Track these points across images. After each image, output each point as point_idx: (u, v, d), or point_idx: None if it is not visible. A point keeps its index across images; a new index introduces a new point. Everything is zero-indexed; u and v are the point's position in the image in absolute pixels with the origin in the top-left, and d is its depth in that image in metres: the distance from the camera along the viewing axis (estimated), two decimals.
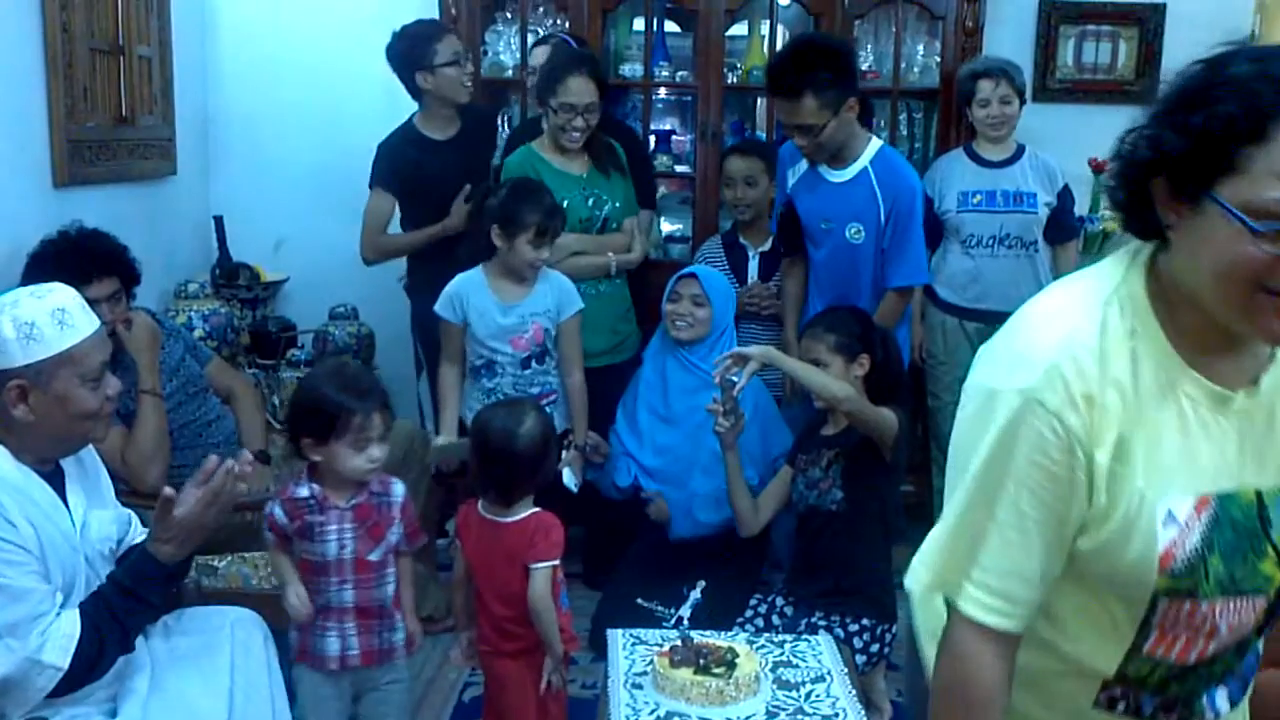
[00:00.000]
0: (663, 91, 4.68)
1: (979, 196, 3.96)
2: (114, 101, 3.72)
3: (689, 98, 4.57)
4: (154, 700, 2.08)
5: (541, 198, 3.32)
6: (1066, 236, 4.08)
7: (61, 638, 1.94)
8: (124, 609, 2.04)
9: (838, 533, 3.00)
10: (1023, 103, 4.02)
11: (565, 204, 3.57)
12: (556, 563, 2.37)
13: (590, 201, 3.67)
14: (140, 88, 3.89)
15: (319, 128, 4.40)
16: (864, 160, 3.35)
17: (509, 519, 2.40)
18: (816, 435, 3.12)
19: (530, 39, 4.23)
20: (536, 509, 2.42)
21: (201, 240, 4.45)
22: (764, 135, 4.55)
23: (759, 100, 4.67)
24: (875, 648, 2.98)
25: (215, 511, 2.12)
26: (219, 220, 4.37)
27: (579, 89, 3.51)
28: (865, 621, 2.97)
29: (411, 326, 4.09)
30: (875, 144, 3.40)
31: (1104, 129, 4.55)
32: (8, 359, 1.98)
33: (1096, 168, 4.45)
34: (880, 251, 3.38)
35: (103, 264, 2.97)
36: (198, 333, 3.85)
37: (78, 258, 2.92)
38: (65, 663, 1.93)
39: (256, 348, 4.21)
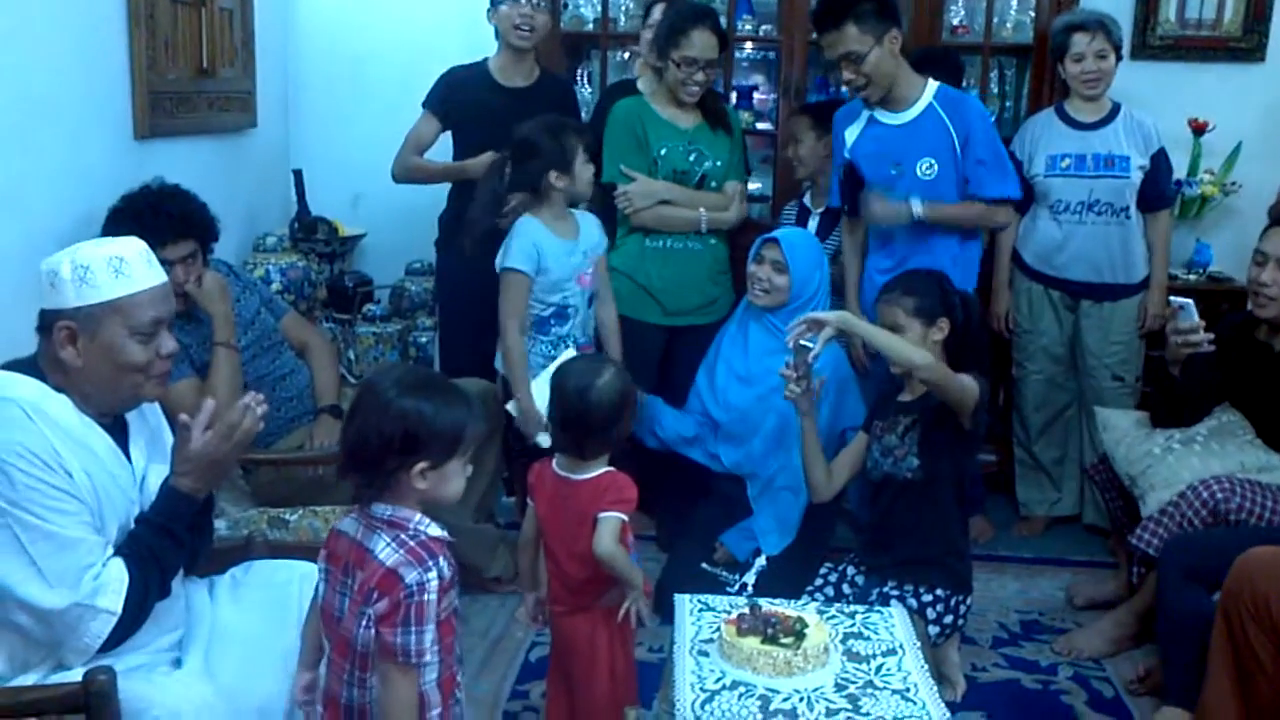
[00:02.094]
0: (748, 47, 4.57)
1: (1068, 160, 3.80)
2: (195, 53, 3.71)
3: (773, 54, 4.46)
4: (217, 652, 2.09)
5: (562, 124, 3.33)
6: (1159, 204, 3.88)
7: (114, 583, 1.95)
8: (157, 546, 2.03)
9: (912, 502, 2.93)
10: (1119, 59, 3.83)
11: (663, 152, 3.57)
12: (624, 517, 2.31)
13: (692, 156, 3.63)
14: (221, 40, 3.89)
15: (399, 82, 4.34)
16: (926, 98, 3.36)
17: (582, 476, 2.36)
18: (893, 401, 3.04)
19: None
20: (610, 468, 2.38)
21: (281, 194, 4.46)
22: (847, 92, 4.43)
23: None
24: (949, 619, 2.92)
25: (232, 447, 2.08)
26: (298, 174, 4.37)
27: (702, 43, 3.50)
28: (940, 592, 2.90)
29: (435, 285, 4.05)
30: (934, 84, 3.39)
31: (1208, 89, 4.50)
32: (61, 299, 1.99)
33: (1197, 129, 4.27)
34: (957, 181, 3.35)
35: (180, 226, 2.97)
36: (275, 286, 3.87)
37: (155, 219, 2.92)
38: (119, 607, 1.94)
39: (333, 302, 4.22)
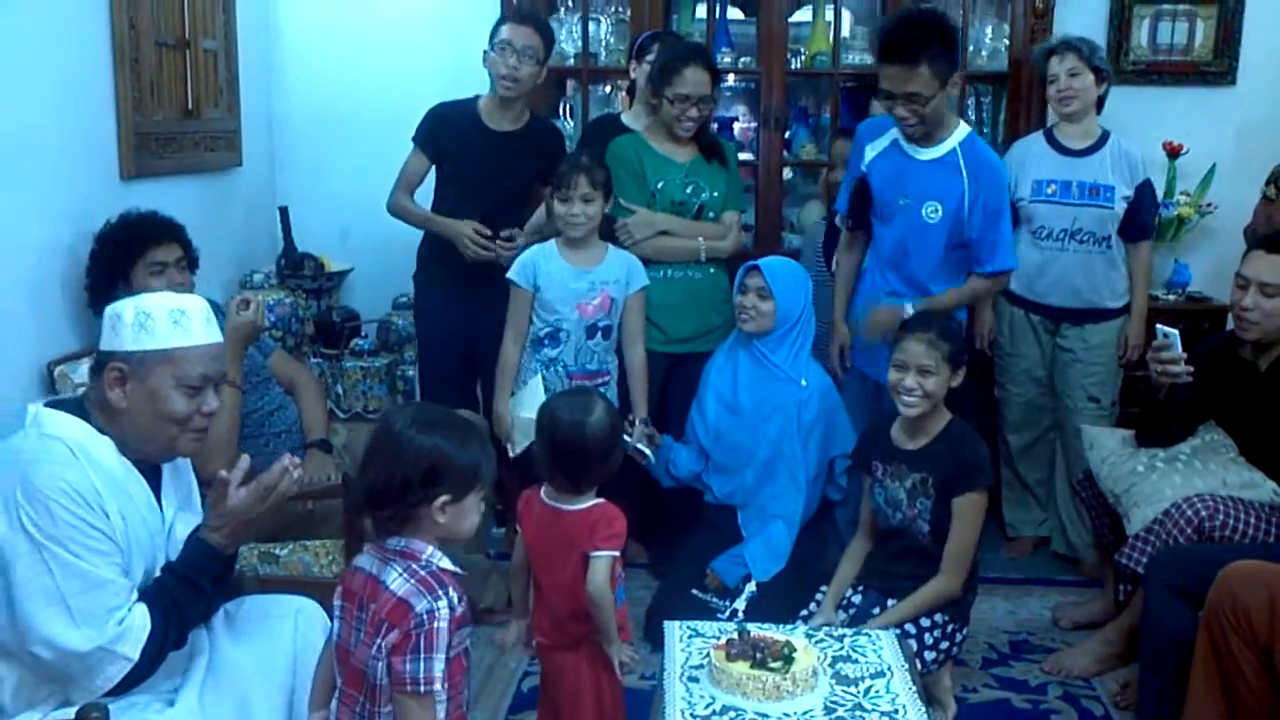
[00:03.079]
0: (731, 79, 4.62)
1: (1054, 187, 3.83)
2: (180, 94, 3.76)
3: (753, 85, 4.51)
4: (211, 690, 2.10)
5: (574, 156, 3.47)
6: (1141, 235, 3.91)
7: (136, 630, 1.97)
8: (181, 597, 2.05)
9: (923, 558, 2.98)
10: (1101, 80, 3.86)
11: (661, 185, 3.65)
12: (616, 553, 2.34)
13: (689, 188, 3.69)
14: (206, 81, 3.94)
15: (383, 118, 4.37)
16: (953, 141, 3.34)
17: (572, 507, 2.38)
18: (892, 445, 3.05)
19: (592, 27, 4.23)
20: (600, 500, 2.40)
21: (268, 231, 4.49)
22: (828, 120, 4.49)
23: (822, 85, 4.60)
24: (945, 645, 2.94)
25: (266, 508, 2.11)
26: (284, 211, 4.40)
27: (695, 80, 3.55)
28: (938, 618, 2.93)
29: (415, 314, 4.10)
30: (964, 128, 3.40)
31: (1180, 112, 4.56)
32: (119, 341, 2.05)
33: (1172, 151, 4.34)
34: (955, 231, 3.34)
35: (166, 230, 3.09)
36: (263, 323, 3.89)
37: (143, 224, 3.07)
38: (137, 654, 1.96)
39: (321, 337, 4.24)
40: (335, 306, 4.39)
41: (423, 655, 1.82)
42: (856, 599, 3.03)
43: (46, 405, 2.09)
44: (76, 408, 2.09)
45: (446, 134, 3.79)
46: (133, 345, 2.04)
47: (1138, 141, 4.06)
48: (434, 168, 3.86)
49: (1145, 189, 3.87)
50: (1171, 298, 4.33)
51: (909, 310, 3.30)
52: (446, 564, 1.92)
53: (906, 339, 2.97)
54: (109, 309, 2.10)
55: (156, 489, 2.15)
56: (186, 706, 2.03)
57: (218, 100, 4.04)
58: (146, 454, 2.11)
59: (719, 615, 3.08)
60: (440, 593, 1.86)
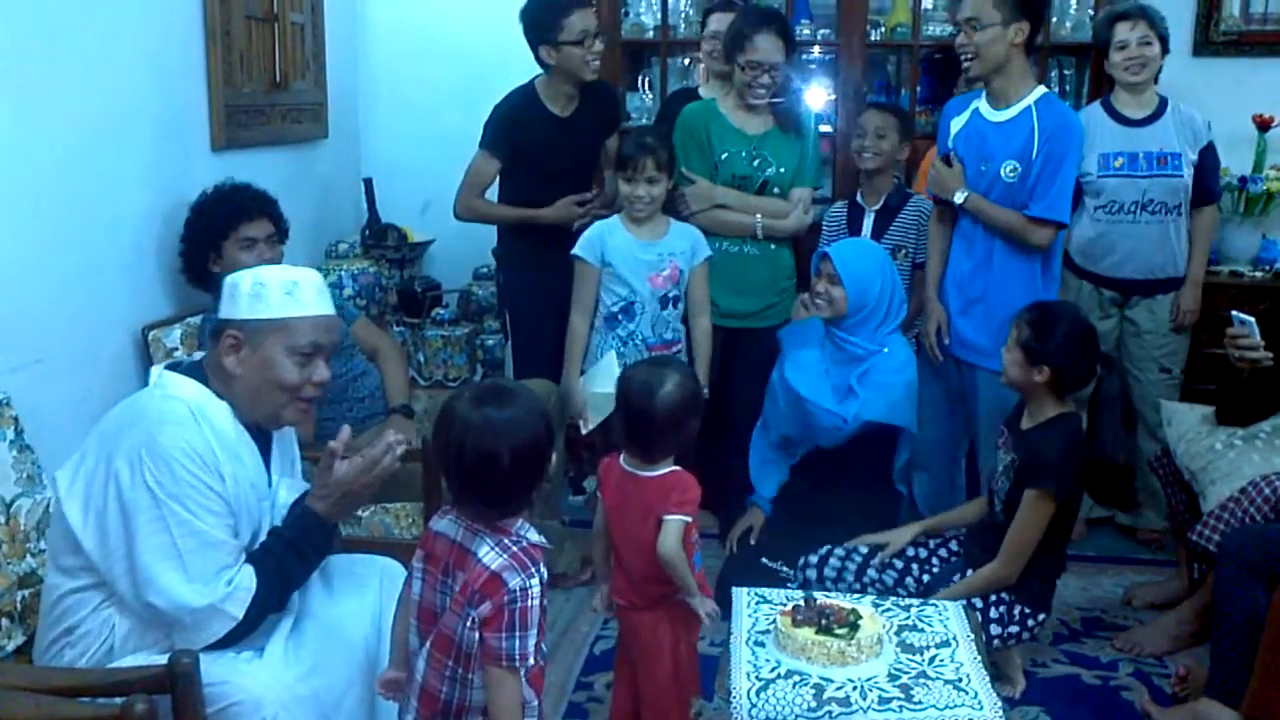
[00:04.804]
0: (815, 50, 4.61)
1: (1121, 159, 3.76)
2: (269, 67, 3.86)
3: (831, 57, 4.50)
4: (295, 641, 2.17)
5: (639, 136, 3.48)
6: (1205, 200, 3.84)
7: (242, 590, 2.05)
8: (286, 562, 2.13)
9: (996, 536, 2.96)
10: (1165, 50, 3.78)
11: (724, 157, 3.62)
12: (689, 519, 2.37)
13: (755, 162, 3.66)
14: (294, 54, 4.03)
15: (467, 92, 4.43)
16: (1028, 100, 3.35)
17: (648, 474, 2.42)
18: (1018, 420, 3.04)
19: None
20: (676, 467, 2.43)
21: (352, 201, 4.59)
22: (907, 94, 4.46)
23: (903, 57, 4.57)
24: (1013, 629, 2.94)
25: (368, 481, 2.17)
26: (368, 182, 4.50)
27: (767, 47, 3.52)
28: (1005, 596, 2.93)
29: (498, 295, 4.14)
30: (1042, 89, 3.40)
31: (1272, 84, 4.44)
32: (235, 309, 2.13)
33: (1262, 125, 4.24)
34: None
35: (260, 205, 3.19)
36: (347, 291, 4.00)
37: (238, 198, 3.17)
38: (241, 613, 2.04)
39: (403, 306, 4.34)
40: (417, 276, 4.48)
41: (518, 632, 1.85)
42: (935, 563, 3.07)
43: (167, 368, 2.18)
44: (196, 371, 2.17)
45: (519, 134, 3.75)
46: (248, 314, 2.11)
47: (1227, 115, 3.99)
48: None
49: (1209, 153, 3.79)
50: (1259, 274, 4.24)
51: (959, 196, 3.38)
52: (535, 537, 1.95)
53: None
54: (228, 279, 2.17)
55: (266, 455, 2.23)
56: (274, 656, 2.10)
57: (304, 73, 4.13)
58: (256, 419, 2.19)
59: (789, 584, 3.13)
60: (534, 569, 1.88)
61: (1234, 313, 3.07)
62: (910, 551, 3.13)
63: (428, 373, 4.19)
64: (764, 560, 3.25)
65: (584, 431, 3.52)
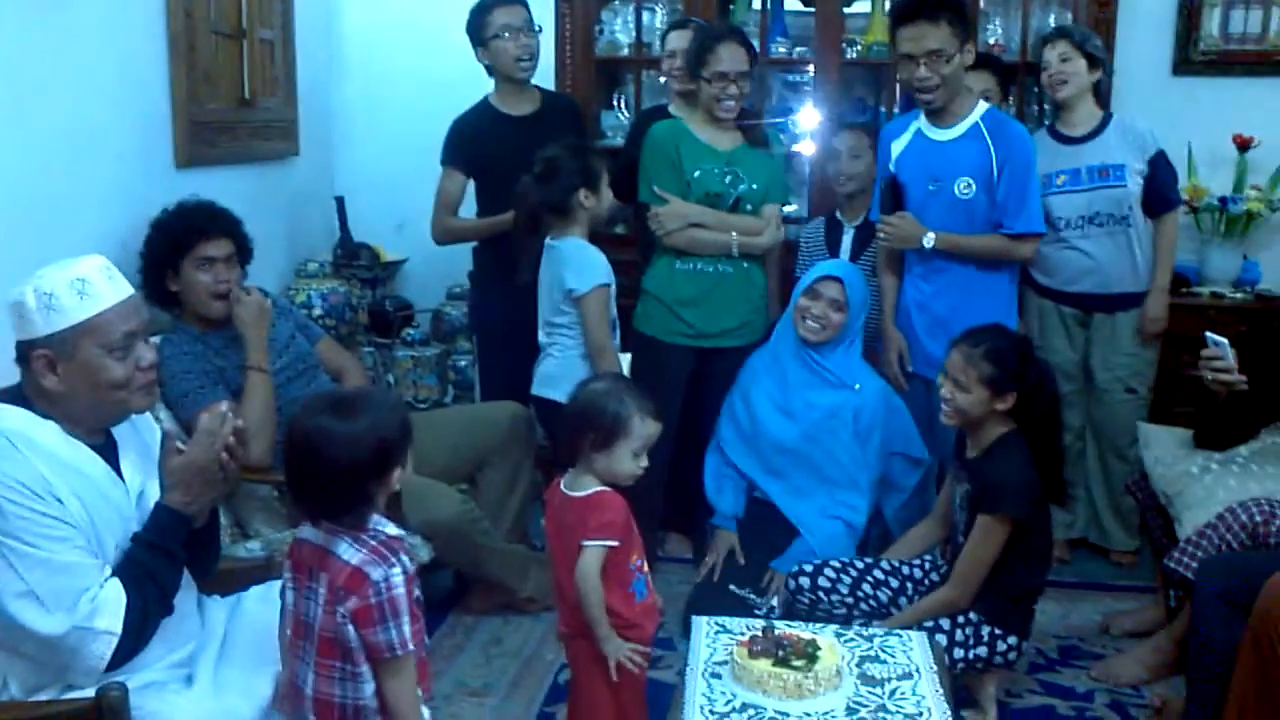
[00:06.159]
0: (793, 68, 4.56)
1: (1063, 177, 3.73)
2: (236, 84, 3.82)
3: (808, 75, 4.46)
4: (225, 667, 2.11)
5: (583, 146, 3.44)
6: (1164, 208, 3.79)
7: (110, 604, 1.96)
8: (151, 565, 2.04)
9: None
10: (1095, 66, 3.73)
11: (697, 175, 3.56)
12: (610, 543, 2.29)
13: (727, 179, 3.60)
14: (263, 70, 3.99)
15: (442, 109, 4.39)
16: (974, 117, 3.38)
17: (576, 494, 2.36)
18: (963, 448, 3.00)
19: (646, 17, 4.20)
20: (602, 488, 2.35)
21: (324, 220, 4.53)
22: (884, 112, 4.43)
23: (882, 76, 4.54)
24: (981, 651, 2.86)
25: (213, 457, 2.08)
26: (340, 201, 4.45)
27: (731, 56, 3.48)
28: (972, 617, 2.87)
29: (469, 316, 4.09)
30: (984, 104, 3.43)
31: (1252, 103, 4.42)
32: (31, 329, 1.99)
33: (1242, 144, 4.21)
34: (992, 204, 3.35)
35: (220, 222, 3.12)
36: (316, 311, 3.94)
37: (197, 216, 3.09)
38: (118, 626, 1.96)
39: (374, 326, 4.28)
40: (390, 296, 4.43)
41: (391, 622, 1.87)
42: (926, 586, 3.04)
43: None
44: (17, 396, 2.05)
45: (470, 141, 3.79)
46: (46, 328, 1.98)
47: (1207, 134, 3.95)
48: (473, 183, 3.88)
49: (1159, 160, 3.74)
50: (1239, 295, 4.19)
51: (928, 240, 3.33)
52: (393, 529, 1.97)
53: (955, 347, 2.89)
54: (9, 299, 2.02)
55: (114, 461, 2.12)
56: (203, 686, 2.05)
57: (274, 90, 4.09)
58: (100, 423, 2.09)
59: (757, 611, 3.07)
60: (393, 559, 1.90)
61: (1207, 334, 3.02)
62: (905, 570, 3.07)
63: (397, 394, 4.13)
64: (732, 587, 3.19)
65: None
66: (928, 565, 3.11)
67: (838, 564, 3.07)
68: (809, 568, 3.06)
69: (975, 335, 2.90)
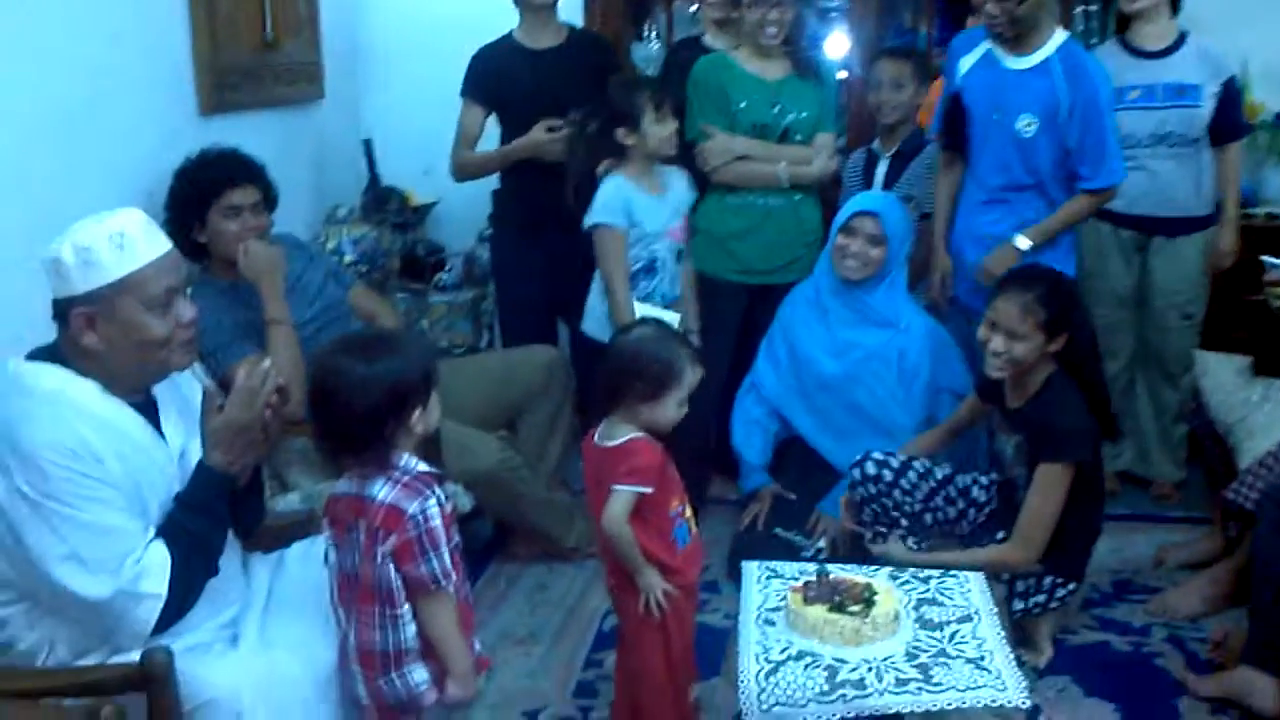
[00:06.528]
0: None
1: (1136, 91, 3.57)
2: (258, 27, 3.71)
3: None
4: (274, 624, 2.08)
5: (637, 80, 3.35)
6: (1231, 136, 3.65)
7: (155, 566, 1.93)
8: (195, 526, 2.01)
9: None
10: None
11: (743, 105, 3.48)
12: (638, 490, 2.23)
13: (775, 108, 3.50)
14: (285, 13, 3.88)
15: (471, 48, 4.30)
16: (1048, 49, 3.15)
17: (609, 443, 2.29)
18: (1003, 397, 2.88)
19: None
20: (636, 434, 2.27)
21: (352, 164, 4.44)
22: (926, 34, 4.28)
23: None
24: (1039, 598, 2.81)
25: (255, 415, 2.03)
26: (368, 144, 4.36)
27: None
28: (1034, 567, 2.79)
29: (490, 258, 4.04)
30: (1062, 34, 3.20)
31: None
32: (69, 286, 1.93)
33: None
34: (1053, 146, 3.17)
35: (244, 171, 3.05)
36: (348, 258, 3.88)
37: (221, 164, 3.03)
38: (163, 589, 1.93)
39: (407, 272, 4.21)
40: (421, 240, 4.35)
41: (431, 553, 1.89)
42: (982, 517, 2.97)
43: (27, 357, 2.01)
44: (54, 354, 2.00)
45: (490, 73, 3.72)
46: (85, 285, 1.92)
47: (1265, 48, 3.78)
48: (496, 115, 3.79)
49: (1231, 86, 3.60)
50: None
51: (1021, 244, 3.15)
52: (424, 466, 1.97)
53: (1001, 296, 2.76)
54: (47, 256, 1.95)
55: (155, 420, 2.07)
56: (249, 645, 2.02)
57: (297, 32, 3.99)
58: (140, 382, 2.04)
59: (803, 554, 3.01)
60: (428, 492, 1.92)
61: (1265, 258, 2.91)
62: (974, 493, 2.99)
63: (431, 339, 4.06)
64: (777, 531, 3.13)
65: None
66: (988, 486, 3.01)
67: (920, 467, 2.99)
68: (877, 456, 3.00)
69: (1021, 281, 2.79)
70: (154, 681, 1.81)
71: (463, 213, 4.45)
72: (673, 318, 3.20)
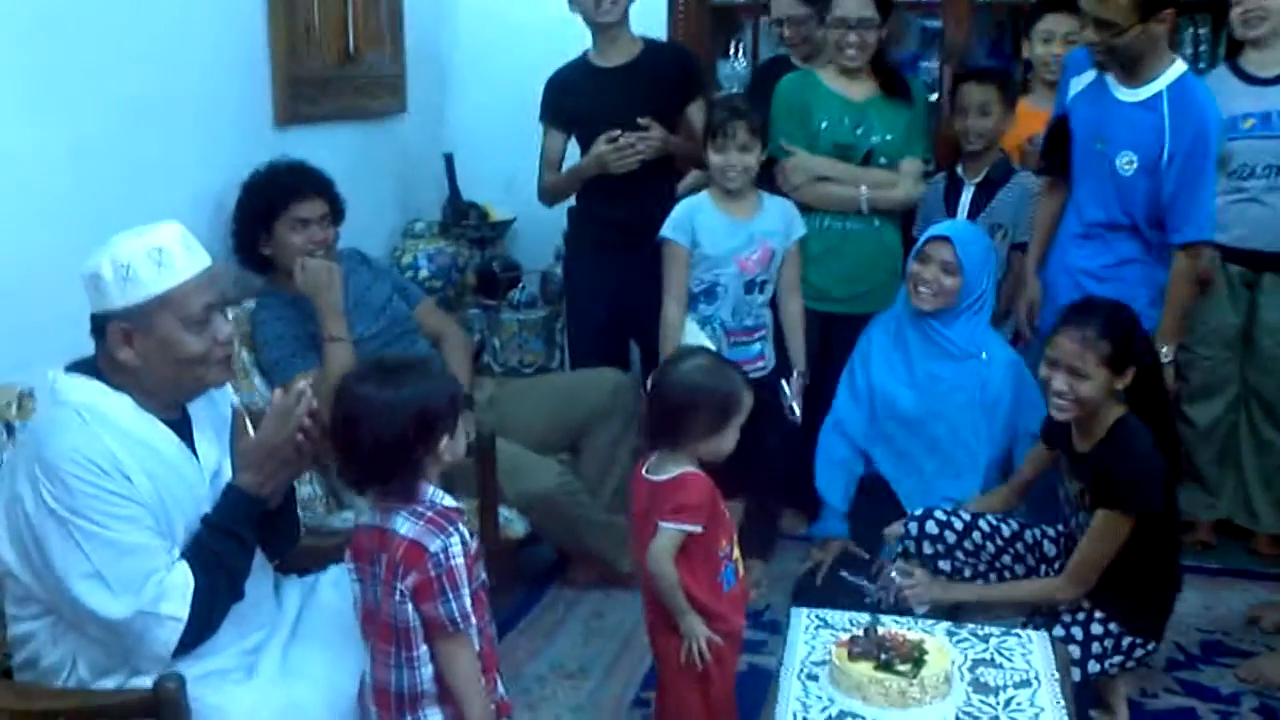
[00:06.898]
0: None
1: (1251, 120, 3.34)
2: (339, 39, 3.72)
3: (936, 20, 4.17)
4: (298, 652, 2.04)
5: (716, 101, 3.29)
6: None
7: (178, 589, 1.89)
8: (220, 549, 1.97)
9: None
10: None
11: (824, 125, 3.39)
12: (687, 528, 2.14)
13: (859, 130, 3.40)
14: (367, 24, 3.88)
15: (555, 62, 4.25)
16: (1161, 83, 2.96)
17: (658, 478, 2.21)
18: (1069, 439, 2.73)
19: None
20: (688, 469, 2.19)
21: (433, 178, 4.41)
22: (1014, 57, 4.12)
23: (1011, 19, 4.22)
24: (1116, 659, 2.64)
25: (287, 436, 1.99)
26: (449, 158, 4.34)
27: (851, 3, 3.29)
28: (1112, 628, 2.63)
29: (564, 273, 3.98)
30: (1179, 67, 2.99)
31: None
32: (107, 301, 1.92)
33: None
34: (1151, 189, 2.98)
35: (311, 184, 3.05)
36: (423, 273, 3.88)
37: (289, 176, 3.04)
38: (184, 612, 1.89)
39: (481, 288, 4.18)
40: (498, 256, 4.31)
41: (451, 594, 1.83)
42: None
43: (65, 369, 1.99)
44: (91, 368, 1.98)
45: (563, 96, 3.67)
46: (123, 300, 1.90)
47: None
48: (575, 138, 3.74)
49: None
50: None
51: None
52: (449, 501, 1.92)
53: (1060, 332, 2.61)
54: (85, 270, 1.95)
55: (189, 438, 2.04)
56: (267, 674, 1.97)
57: (380, 44, 3.98)
58: (176, 399, 2.02)
59: (866, 599, 2.88)
60: (451, 529, 1.85)
61: None
62: (1045, 548, 2.86)
63: (502, 358, 4.02)
64: (843, 574, 2.99)
65: None
66: (1057, 539, 2.86)
67: (962, 523, 2.86)
68: (940, 516, 2.87)
69: (1079, 315, 2.63)
70: (166, 709, 1.77)
71: (541, 230, 4.40)
72: (708, 344, 3.12)
